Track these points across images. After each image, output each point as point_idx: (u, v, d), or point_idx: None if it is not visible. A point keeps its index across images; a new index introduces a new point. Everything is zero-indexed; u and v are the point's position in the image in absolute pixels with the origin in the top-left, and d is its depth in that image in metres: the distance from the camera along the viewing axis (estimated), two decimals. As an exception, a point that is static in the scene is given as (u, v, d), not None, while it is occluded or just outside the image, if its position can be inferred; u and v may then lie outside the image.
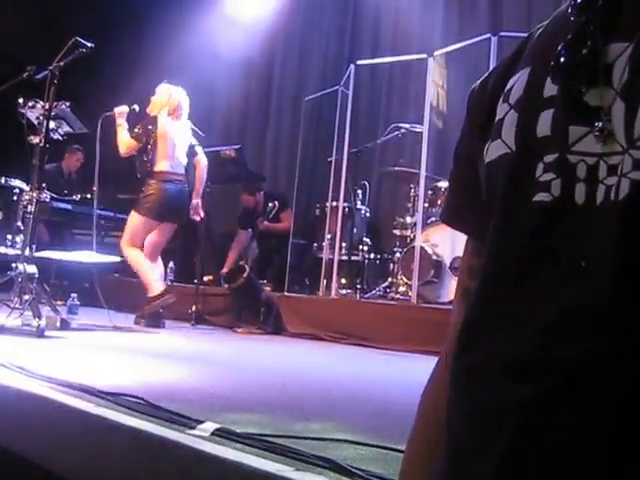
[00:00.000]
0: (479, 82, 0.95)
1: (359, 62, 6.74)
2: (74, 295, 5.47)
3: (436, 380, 0.97)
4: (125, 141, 5.87)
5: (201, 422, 1.95)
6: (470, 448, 0.75)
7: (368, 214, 7.26)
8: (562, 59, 0.73)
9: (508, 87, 0.83)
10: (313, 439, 1.92)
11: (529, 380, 0.69)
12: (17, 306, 4.50)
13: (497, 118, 0.83)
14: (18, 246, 4.94)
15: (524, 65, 0.83)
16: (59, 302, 5.91)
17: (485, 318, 0.78)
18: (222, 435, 1.86)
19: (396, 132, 6.90)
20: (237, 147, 7.54)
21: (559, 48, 0.74)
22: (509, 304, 0.75)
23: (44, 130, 4.92)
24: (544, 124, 0.76)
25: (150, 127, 5.85)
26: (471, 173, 0.90)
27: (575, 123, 0.73)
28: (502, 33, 5.49)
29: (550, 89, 0.76)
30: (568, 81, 0.73)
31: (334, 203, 6.59)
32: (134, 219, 6.01)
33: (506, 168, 0.79)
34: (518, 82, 0.82)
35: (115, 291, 7.87)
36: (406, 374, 4.14)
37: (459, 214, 0.98)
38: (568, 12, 0.76)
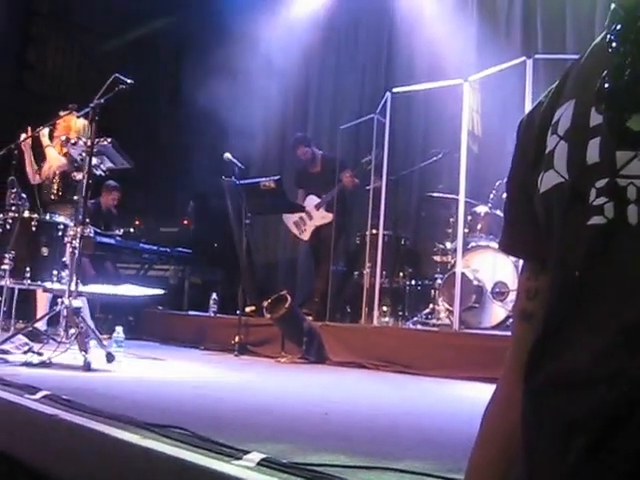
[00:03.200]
0: (526, 115, 1.01)
1: (395, 90, 6.77)
2: (119, 329, 5.54)
3: (499, 396, 1.04)
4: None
5: (247, 452, 1.95)
6: (547, 459, 0.80)
7: (408, 241, 7.25)
8: (604, 88, 0.77)
9: (555, 119, 0.89)
10: (359, 468, 1.92)
11: (596, 393, 0.73)
12: (64, 340, 4.58)
13: (548, 149, 0.88)
14: (64, 281, 5.03)
15: (568, 97, 0.88)
16: (104, 336, 5.99)
17: (553, 338, 0.83)
18: (268, 465, 1.86)
19: (433, 158, 6.91)
20: (276, 178, 7.58)
21: (601, 78, 0.78)
22: (575, 323, 0.80)
23: (87, 166, 5.01)
24: (593, 152, 0.80)
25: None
26: (524, 202, 0.95)
27: (621, 148, 0.77)
28: (537, 56, 5.48)
29: (595, 118, 0.81)
30: (611, 109, 0.77)
31: (374, 231, 6.59)
32: None
33: (561, 196, 0.84)
34: (565, 114, 0.87)
35: (159, 324, 7.98)
36: (450, 401, 4.11)
37: (515, 242, 1.04)
38: (605, 44, 0.81)
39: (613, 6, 0.82)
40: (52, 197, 6.01)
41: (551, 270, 0.87)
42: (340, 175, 7.30)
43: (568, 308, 0.81)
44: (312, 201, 7.61)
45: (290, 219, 7.80)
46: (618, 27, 0.79)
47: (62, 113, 6.00)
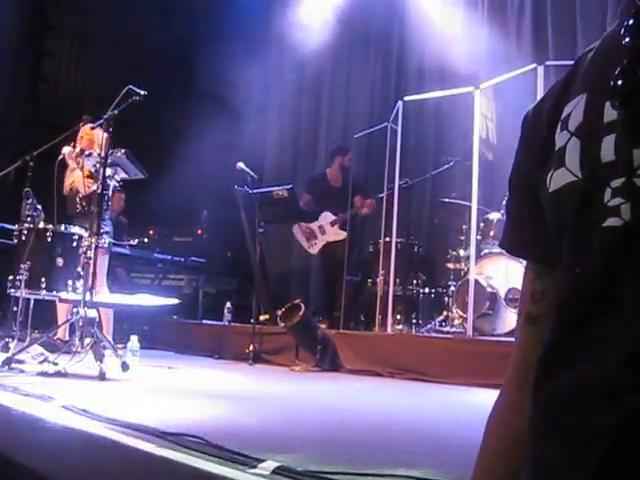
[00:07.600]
0: (532, 108, 0.95)
1: (406, 98, 6.77)
2: (134, 338, 5.56)
3: (503, 402, 1.00)
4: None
5: (262, 461, 1.96)
6: (559, 470, 0.76)
7: (421, 248, 7.24)
8: (619, 83, 0.73)
9: (565, 114, 0.84)
10: (374, 475, 1.92)
11: (612, 404, 0.70)
12: (79, 350, 4.60)
13: (558, 146, 0.83)
14: (79, 291, 5.05)
15: (579, 91, 0.83)
16: (119, 345, 6.01)
17: (565, 347, 0.79)
18: (283, 473, 1.87)
19: (446, 166, 6.91)
20: (289, 187, 7.59)
21: (615, 73, 0.74)
22: (588, 331, 0.76)
23: (101, 177, 5.04)
24: (607, 149, 0.76)
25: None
26: (529, 200, 0.90)
27: (638, 147, 0.73)
28: (548, 62, 5.48)
29: (610, 114, 0.76)
30: (627, 105, 0.73)
31: (387, 239, 6.59)
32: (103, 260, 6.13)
33: (574, 196, 0.79)
34: (576, 109, 0.82)
35: (173, 333, 8.00)
36: (465, 407, 4.10)
37: (519, 241, 0.99)
38: (620, 35, 0.77)
39: None
40: (77, 210, 6.04)
41: (563, 272, 0.83)
42: (353, 199, 7.33)
43: (583, 312, 0.77)
44: (328, 217, 7.63)
45: (300, 232, 7.81)
46: (631, 21, 0.75)
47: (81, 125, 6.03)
